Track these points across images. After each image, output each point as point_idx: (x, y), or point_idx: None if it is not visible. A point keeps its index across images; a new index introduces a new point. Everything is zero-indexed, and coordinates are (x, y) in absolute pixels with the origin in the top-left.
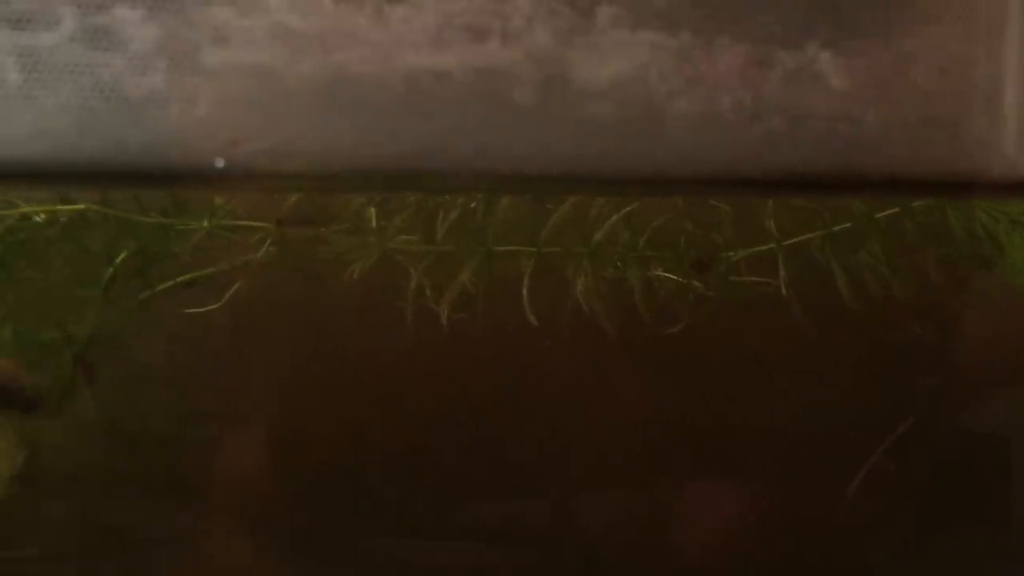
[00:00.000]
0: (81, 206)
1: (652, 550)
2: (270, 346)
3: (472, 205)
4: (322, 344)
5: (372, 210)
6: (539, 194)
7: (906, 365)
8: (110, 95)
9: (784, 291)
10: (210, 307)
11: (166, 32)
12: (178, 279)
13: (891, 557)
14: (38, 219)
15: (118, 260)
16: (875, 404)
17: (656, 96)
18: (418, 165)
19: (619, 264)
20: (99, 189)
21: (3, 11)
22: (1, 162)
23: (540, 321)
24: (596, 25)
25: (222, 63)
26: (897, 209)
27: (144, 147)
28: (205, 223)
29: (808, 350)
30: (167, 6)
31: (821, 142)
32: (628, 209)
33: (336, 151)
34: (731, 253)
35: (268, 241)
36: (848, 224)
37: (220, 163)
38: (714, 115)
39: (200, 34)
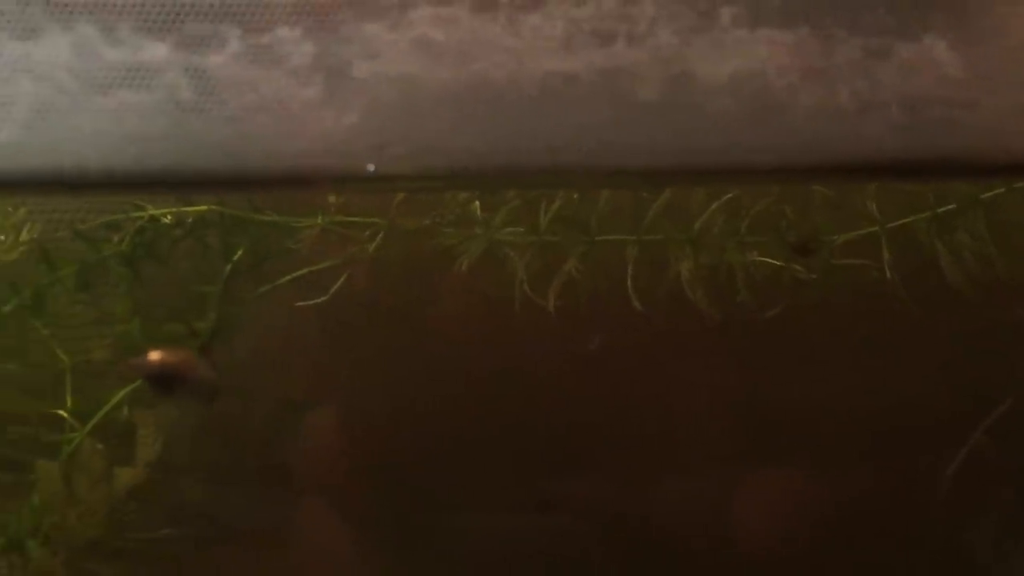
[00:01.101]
0: (203, 207)
1: (757, 532)
2: (383, 337)
3: (575, 196)
4: (432, 334)
5: (476, 203)
6: (663, 187)
7: (1011, 346)
8: (272, 107)
9: (888, 274)
10: (320, 299)
11: (321, 48)
12: (294, 274)
13: (992, 538)
14: (165, 220)
15: (235, 257)
16: (977, 385)
17: (775, 90)
18: (551, 162)
19: (721, 250)
20: (257, 193)
21: (177, 35)
22: (177, 169)
23: (643, 307)
24: (717, 24)
25: (371, 75)
26: (1002, 190)
27: (300, 154)
28: (319, 220)
29: (911, 332)
30: (322, 24)
31: (937, 129)
32: (728, 196)
33: (474, 152)
34: (834, 237)
35: (379, 236)
36: (953, 205)
37: (371, 168)
38: (832, 106)
39: (352, 49)
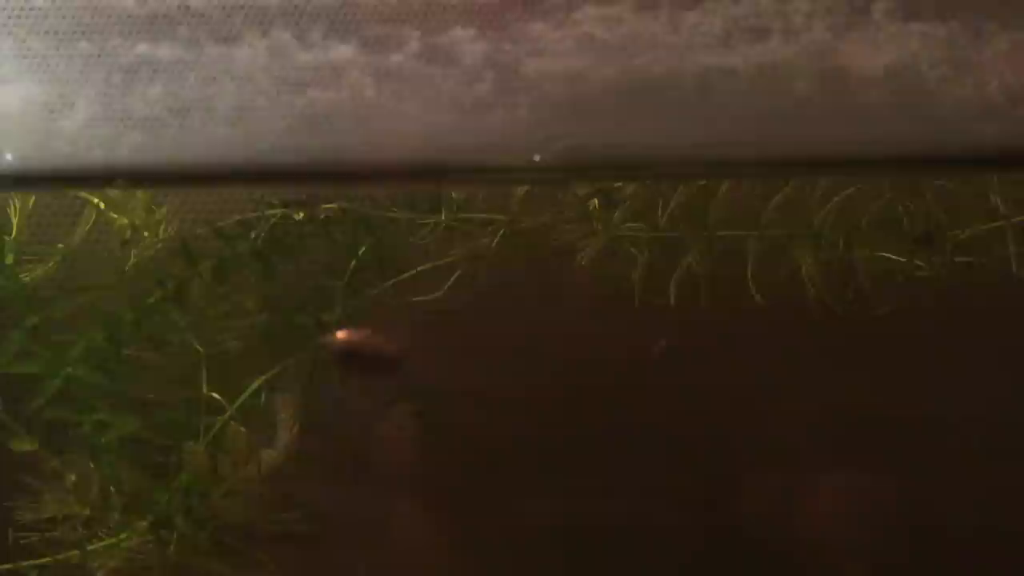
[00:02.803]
0: (333, 204)
1: (879, 525)
2: (504, 331)
3: (693, 191)
4: (553, 328)
5: (595, 200)
6: (816, 177)
7: None
8: (447, 104)
9: (1015, 268)
10: (436, 294)
11: (492, 47)
12: (418, 268)
13: None
14: (297, 217)
15: (360, 252)
16: None
17: (927, 82)
18: (708, 154)
19: (841, 244)
20: (432, 186)
21: (360, 37)
22: (361, 161)
23: (764, 301)
24: (871, 19)
25: (538, 71)
26: None
27: (473, 147)
28: (443, 216)
29: None
30: (493, 24)
31: None
32: (849, 191)
33: (635, 144)
34: (958, 231)
35: (501, 232)
36: None
37: (537, 158)
38: (983, 99)
39: (520, 47)
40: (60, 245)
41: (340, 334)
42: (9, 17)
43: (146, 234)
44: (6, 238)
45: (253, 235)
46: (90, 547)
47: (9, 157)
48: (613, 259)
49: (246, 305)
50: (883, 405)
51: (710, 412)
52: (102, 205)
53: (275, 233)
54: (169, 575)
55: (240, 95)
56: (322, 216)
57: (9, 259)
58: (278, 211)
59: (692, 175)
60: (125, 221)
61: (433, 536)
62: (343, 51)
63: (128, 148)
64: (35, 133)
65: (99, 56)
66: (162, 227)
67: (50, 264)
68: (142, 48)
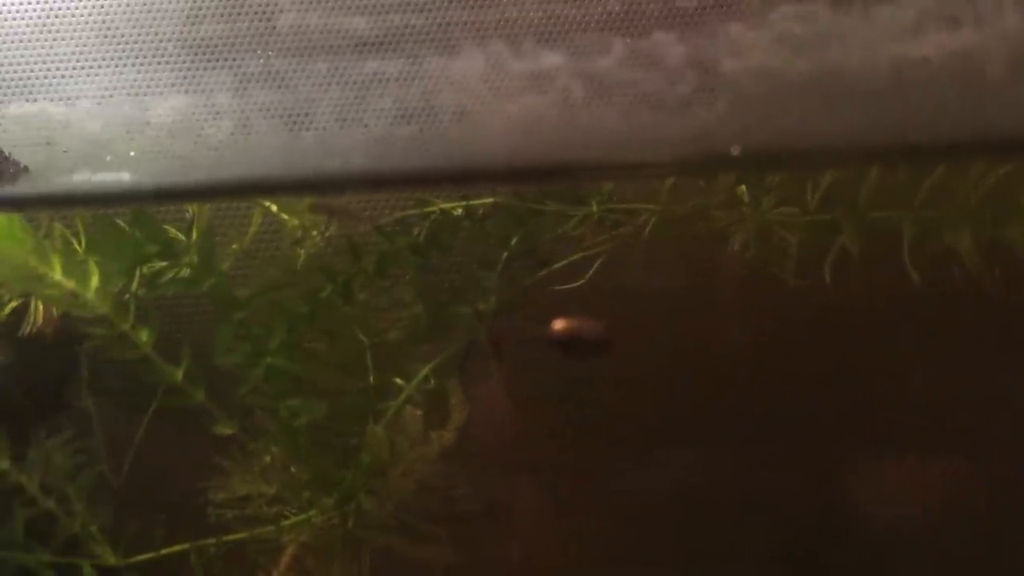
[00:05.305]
0: (490, 200)
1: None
2: (658, 314)
3: (843, 175)
4: (706, 313)
5: (743, 187)
6: (1012, 160)
7: None
8: (651, 103)
9: None
10: (578, 283)
11: (692, 48)
12: (570, 258)
13: None
14: (456, 212)
15: (512, 244)
16: None
17: None
18: (902, 140)
19: (997, 224)
20: (633, 179)
21: (568, 45)
22: (566, 160)
23: (920, 282)
24: None
25: (736, 70)
26: None
27: (675, 141)
28: (594, 207)
29: None
30: (693, 27)
31: None
32: (1005, 169)
33: (830, 134)
34: None
35: (651, 222)
36: None
37: (736, 151)
38: None
39: (719, 47)
40: (235, 246)
41: (559, 322)
42: (255, 40)
43: (314, 233)
44: (233, 247)
45: (416, 231)
46: (283, 523)
47: (258, 168)
48: (764, 244)
49: (405, 297)
50: None
51: (861, 392)
52: (274, 208)
53: (431, 228)
54: (352, 549)
55: (459, 103)
56: (480, 211)
57: (224, 266)
58: (436, 207)
59: (883, 161)
60: (296, 222)
61: (585, 513)
62: (552, 58)
63: (362, 156)
64: (279, 145)
65: (335, 73)
66: (329, 227)
67: (228, 264)
68: (372, 64)
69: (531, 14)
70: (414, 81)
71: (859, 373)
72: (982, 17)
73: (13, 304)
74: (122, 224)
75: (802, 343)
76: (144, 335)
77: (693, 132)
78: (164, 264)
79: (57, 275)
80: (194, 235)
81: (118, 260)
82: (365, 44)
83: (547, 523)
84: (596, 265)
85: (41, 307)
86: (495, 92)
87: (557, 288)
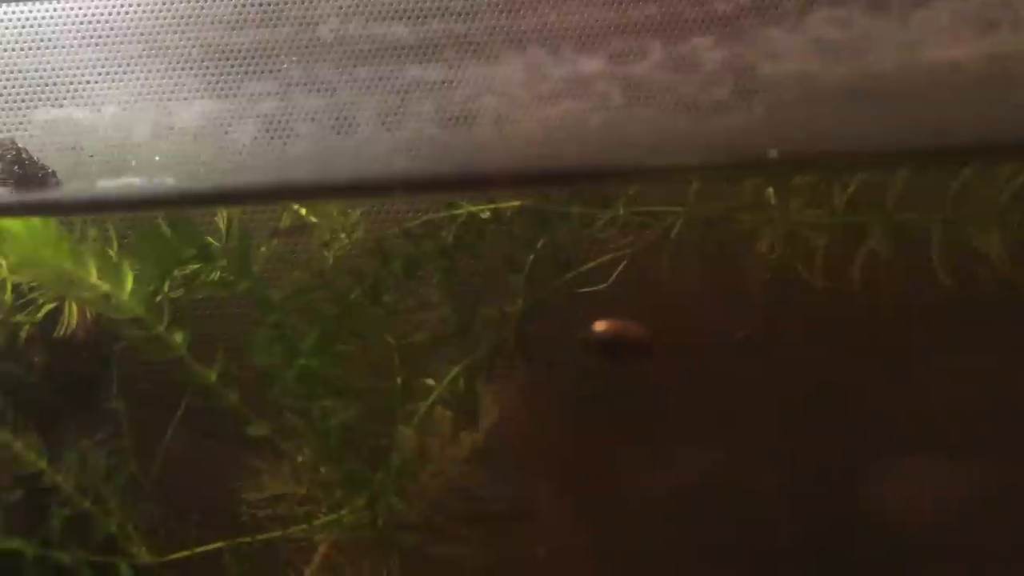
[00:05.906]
0: (516, 203)
1: None
2: (687, 316)
3: (870, 178)
4: (732, 315)
5: (770, 189)
6: None
7: None
8: (688, 107)
9: None
10: (602, 285)
11: (730, 53)
12: (598, 260)
13: None
14: (484, 215)
15: (538, 246)
16: None
17: None
18: (938, 144)
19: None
20: (666, 182)
21: (607, 51)
22: (605, 163)
23: (950, 285)
24: None
25: (773, 73)
26: None
27: (708, 145)
28: (620, 210)
29: None
30: (731, 32)
31: None
32: None
33: (867, 138)
34: None
35: (678, 224)
36: None
37: (773, 154)
38: None
39: (757, 52)
40: (263, 248)
41: (601, 324)
42: (298, 48)
43: (342, 235)
44: (261, 249)
45: (444, 233)
46: (314, 522)
47: (303, 174)
48: (792, 245)
49: (432, 299)
50: None
51: (891, 393)
52: (303, 211)
53: (457, 232)
54: (382, 548)
55: (499, 108)
56: (506, 214)
57: (256, 268)
58: (464, 211)
59: (918, 164)
60: (324, 224)
61: (613, 514)
62: (591, 63)
63: (402, 160)
64: (320, 151)
65: (377, 79)
66: (357, 230)
67: (258, 267)
68: (414, 71)
69: (570, 19)
70: (455, 86)
71: (888, 374)
72: (1019, 20)
73: (48, 307)
74: (162, 227)
75: (827, 346)
76: (179, 337)
77: (730, 135)
78: (198, 267)
79: (92, 278)
80: (226, 239)
81: (156, 264)
82: (406, 50)
83: (576, 524)
84: (621, 267)
85: (75, 309)
86: (534, 97)
87: (583, 290)
